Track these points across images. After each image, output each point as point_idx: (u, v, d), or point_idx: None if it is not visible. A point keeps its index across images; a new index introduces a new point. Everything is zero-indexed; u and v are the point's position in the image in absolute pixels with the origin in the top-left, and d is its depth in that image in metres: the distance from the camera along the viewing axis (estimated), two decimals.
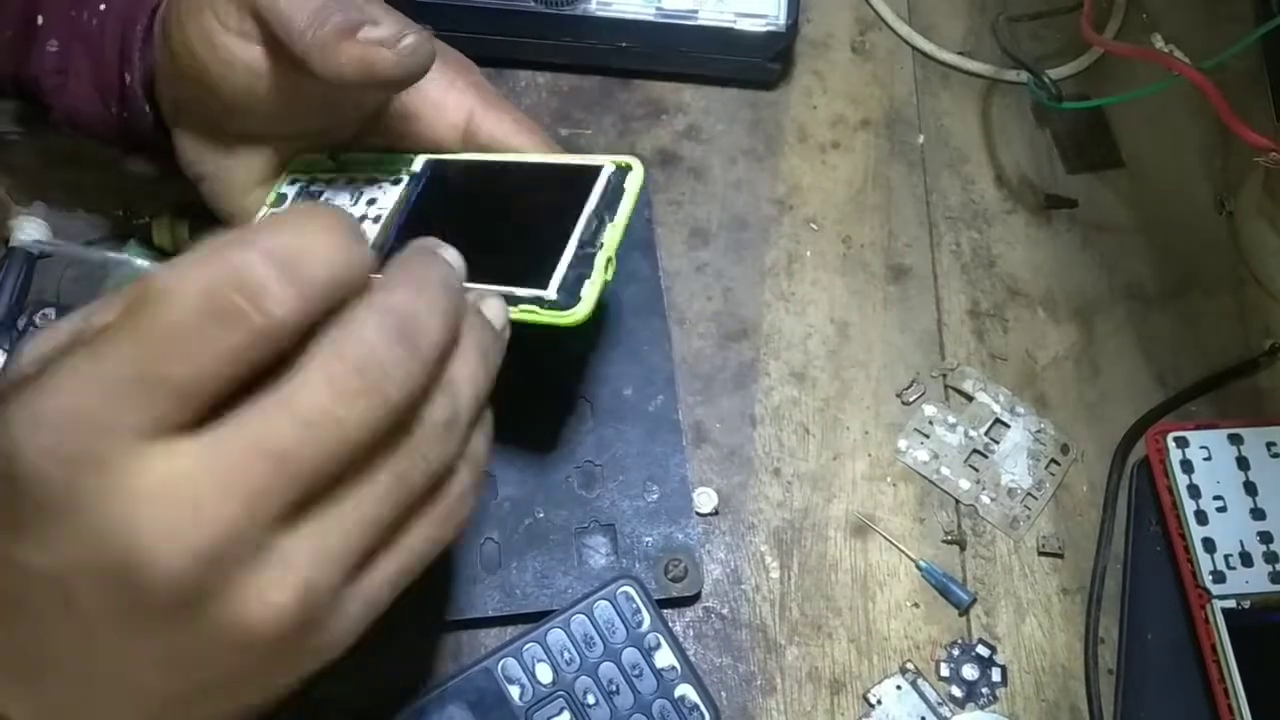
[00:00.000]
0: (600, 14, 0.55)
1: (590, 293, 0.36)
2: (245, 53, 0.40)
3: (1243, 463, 0.48)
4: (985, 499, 0.49)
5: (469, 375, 0.29)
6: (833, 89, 0.59)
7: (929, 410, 0.51)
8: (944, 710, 0.45)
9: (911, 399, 0.52)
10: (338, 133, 0.45)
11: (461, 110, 0.43)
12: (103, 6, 0.44)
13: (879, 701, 0.46)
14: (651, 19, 0.55)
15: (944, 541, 0.49)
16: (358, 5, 0.38)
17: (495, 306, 0.34)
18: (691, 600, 0.47)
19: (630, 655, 0.43)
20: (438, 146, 0.44)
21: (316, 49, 0.37)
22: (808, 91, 0.59)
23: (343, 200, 0.43)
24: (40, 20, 0.45)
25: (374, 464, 0.26)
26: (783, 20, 0.55)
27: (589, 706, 0.43)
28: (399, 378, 0.26)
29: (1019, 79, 0.59)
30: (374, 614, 0.28)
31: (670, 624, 0.45)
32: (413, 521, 0.28)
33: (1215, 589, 0.45)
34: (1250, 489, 0.47)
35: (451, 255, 0.32)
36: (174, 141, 0.44)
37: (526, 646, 0.43)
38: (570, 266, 0.37)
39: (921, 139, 0.58)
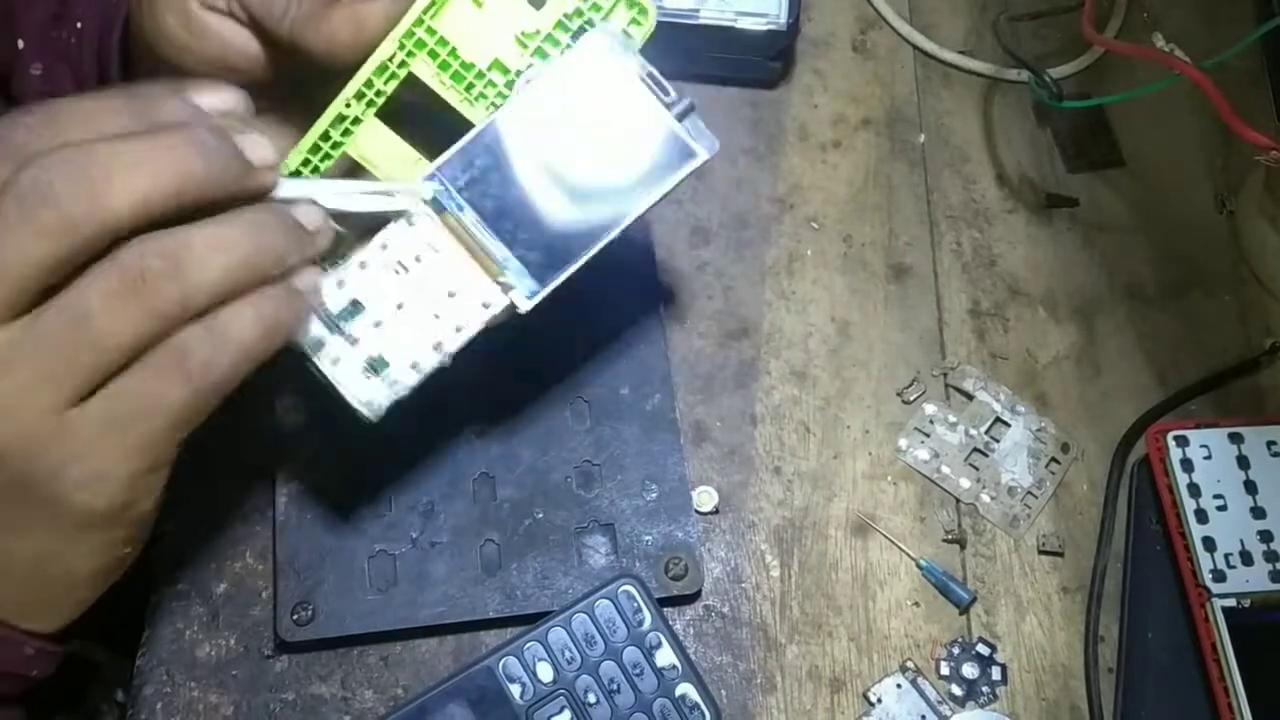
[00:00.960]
0: None
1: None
2: (220, 26, 0.39)
3: (1243, 461, 0.48)
4: (985, 498, 0.50)
5: (211, 244, 0.31)
6: (834, 88, 0.59)
7: (929, 409, 0.51)
8: (944, 709, 0.45)
9: (912, 398, 0.52)
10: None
11: None
12: (79, 25, 0.44)
13: (879, 700, 0.46)
14: None
15: (944, 540, 0.49)
16: None
17: (312, 213, 0.35)
18: (692, 599, 0.47)
19: (631, 654, 0.43)
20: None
21: (303, 27, 0.36)
22: (809, 90, 0.59)
23: None
24: (21, 44, 0.44)
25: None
26: (784, 19, 0.55)
27: (590, 705, 0.43)
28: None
29: (1020, 78, 0.59)
30: (112, 447, 0.31)
31: (671, 622, 0.45)
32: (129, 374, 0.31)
33: (1215, 588, 0.45)
34: (1250, 488, 0.47)
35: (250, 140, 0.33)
36: (162, 42, 0.42)
37: (527, 645, 0.43)
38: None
39: (922, 138, 0.58)
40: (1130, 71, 0.58)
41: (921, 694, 0.46)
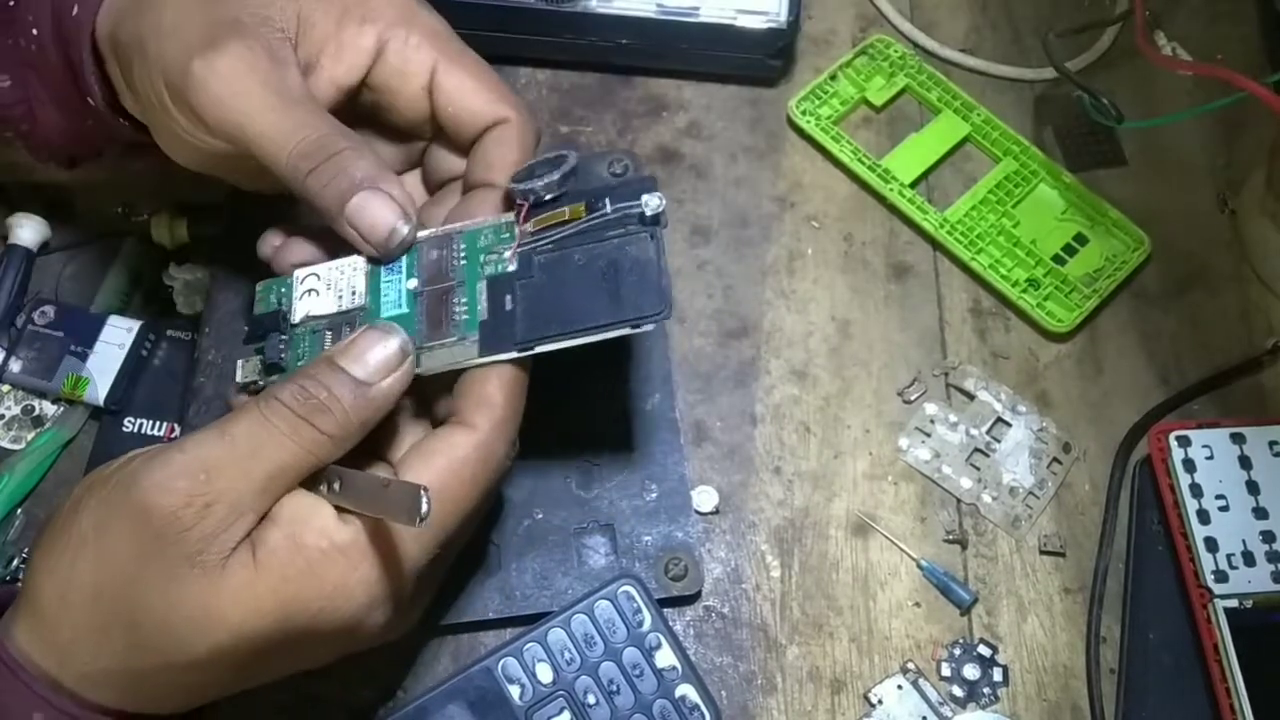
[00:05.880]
0: (601, 11, 0.55)
1: None
2: (210, 143, 0.40)
3: (1245, 462, 0.48)
4: (987, 498, 0.49)
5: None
6: None
7: (930, 409, 0.51)
8: (945, 710, 0.45)
9: (913, 397, 0.51)
10: None
11: (424, 71, 0.42)
12: (35, 31, 0.43)
13: (880, 701, 0.45)
14: (653, 16, 0.55)
15: (945, 540, 0.49)
16: (353, 154, 0.38)
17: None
18: (692, 599, 0.47)
19: (631, 655, 0.43)
20: (411, 113, 0.43)
21: (310, 194, 0.38)
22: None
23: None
24: None
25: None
26: (784, 17, 0.55)
27: (589, 706, 0.42)
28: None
29: (1021, 76, 0.59)
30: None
31: (670, 623, 0.45)
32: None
33: (1217, 588, 0.45)
34: (1253, 488, 0.47)
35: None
36: (161, 145, 0.43)
37: (527, 646, 0.43)
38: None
39: None
40: (1136, 69, 0.58)
41: (923, 695, 0.45)
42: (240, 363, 0.41)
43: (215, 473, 0.34)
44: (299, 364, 0.40)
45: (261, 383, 0.40)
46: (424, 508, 0.31)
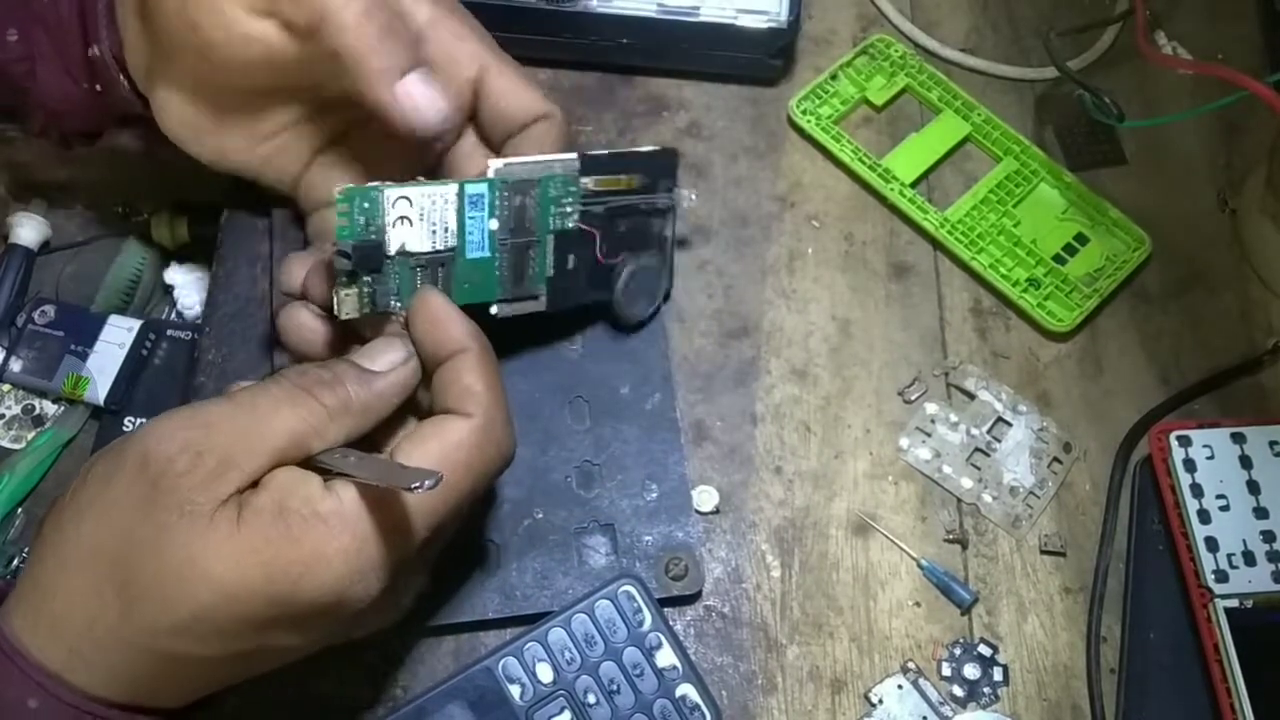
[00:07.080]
0: (602, 10, 0.55)
1: None
2: (256, 27, 0.39)
3: (1245, 461, 0.48)
4: (987, 498, 0.49)
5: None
6: None
7: (931, 408, 0.51)
8: (946, 710, 0.45)
9: (913, 397, 0.51)
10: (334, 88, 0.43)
11: (474, 65, 0.43)
12: None
13: (880, 701, 0.45)
14: (653, 15, 0.55)
15: (946, 540, 0.49)
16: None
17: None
18: (692, 599, 0.47)
19: (631, 654, 0.43)
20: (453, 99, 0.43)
21: (368, 46, 0.39)
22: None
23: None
24: None
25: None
26: (784, 17, 0.55)
27: (590, 706, 0.42)
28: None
29: (1021, 76, 0.59)
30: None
31: (671, 623, 0.45)
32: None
33: (1218, 588, 0.45)
34: (1253, 488, 0.47)
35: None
36: (153, 107, 0.44)
37: (527, 645, 0.43)
38: None
39: None
40: (1136, 69, 0.58)
41: (923, 695, 0.45)
42: (339, 297, 0.39)
43: (214, 428, 0.35)
44: (397, 304, 0.40)
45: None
46: (430, 481, 0.32)
